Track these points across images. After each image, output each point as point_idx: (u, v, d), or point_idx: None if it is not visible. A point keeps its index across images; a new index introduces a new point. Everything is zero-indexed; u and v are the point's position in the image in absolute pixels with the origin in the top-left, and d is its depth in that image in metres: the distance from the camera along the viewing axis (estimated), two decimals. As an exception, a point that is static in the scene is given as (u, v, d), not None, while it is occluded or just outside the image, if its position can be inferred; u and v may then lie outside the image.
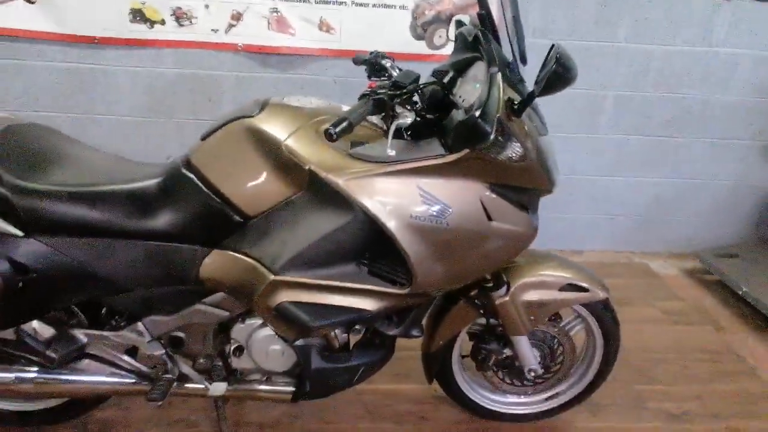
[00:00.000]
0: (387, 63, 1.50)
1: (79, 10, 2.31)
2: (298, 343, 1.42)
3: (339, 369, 1.47)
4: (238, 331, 1.47)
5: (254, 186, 1.31)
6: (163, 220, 1.34)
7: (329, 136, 1.08)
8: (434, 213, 1.25)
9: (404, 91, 1.21)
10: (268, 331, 1.46)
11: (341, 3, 2.43)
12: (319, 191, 1.26)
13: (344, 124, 1.09)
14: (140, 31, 2.38)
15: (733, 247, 2.95)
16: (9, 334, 1.36)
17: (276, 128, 1.29)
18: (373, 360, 1.52)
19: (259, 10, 2.40)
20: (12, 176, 1.26)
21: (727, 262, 2.78)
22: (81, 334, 1.41)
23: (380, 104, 1.18)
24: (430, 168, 1.24)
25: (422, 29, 2.50)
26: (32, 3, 2.29)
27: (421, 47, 2.51)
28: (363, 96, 1.22)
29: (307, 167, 1.25)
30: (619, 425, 1.88)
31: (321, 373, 1.45)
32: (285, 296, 1.28)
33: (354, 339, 1.56)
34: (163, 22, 2.38)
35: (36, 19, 2.30)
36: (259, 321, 1.46)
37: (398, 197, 1.24)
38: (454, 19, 2.36)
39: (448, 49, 2.50)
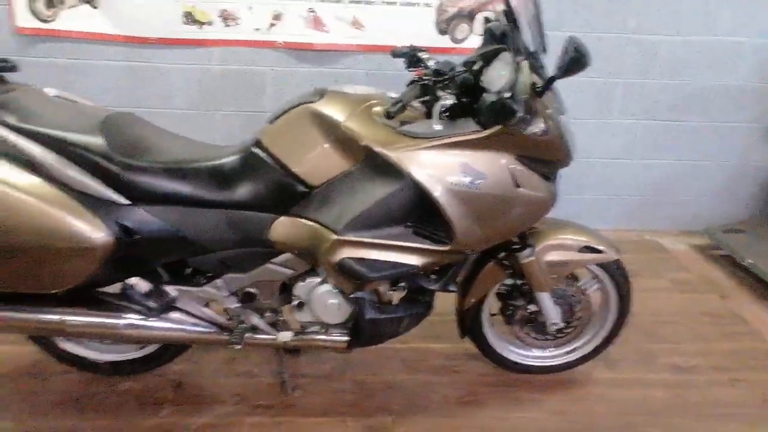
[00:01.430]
0: (424, 55, 1.73)
1: (137, 14, 2.57)
2: (354, 296, 1.66)
3: (388, 319, 1.71)
4: (300, 288, 1.72)
5: (317, 160, 1.55)
6: (239, 191, 1.58)
7: (387, 115, 1.32)
8: (471, 180, 1.48)
9: (446, 77, 1.45)
10: (326, 287, 1.70)
11: (370, 2, 2.66)
12: (374, 163, 1.50)
13: (399, 104, 1.32)
14: (191, 32, 2.63)
15: (739, 224, 3.14)
16: (116, 288, 1.62)
17: (335, 111, 1.53)
18: (416, 312, 1.75)
19: (297, 11, 2.64)
20: (120, 155, 1.50)
21: (733, 237, 2.98)
22: (171, 289, 1.66)
23: (426, 88, 1.42)
24: (468, 142, 1.47)
25: (445, 24, 2.73)
26: (96, 8, 2.55)
27: (444, 41, 2.74)
28: (411, 82, 1.45)
29: (363, 143, 1.49)
30: (632, 376, 2.10)
31: (373, 323, 1.70)
32: (345, 253, 1.53)
33: (398, 296, 1.80)
34: (211, 23, 2.63)
35: (99, 23, 2.57)
36: (319, 279, 1.71)
37: (441, 167, 1.47)
38: (480, 15, 2.60)
39: (470, 42, 2.74)
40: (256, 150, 1.59)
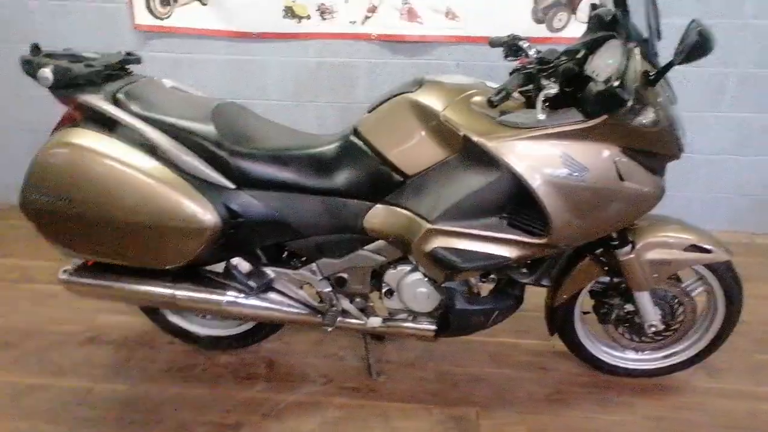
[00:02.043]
0: (524, 44, 1.69)
1: (242, 10, 2.70)
2: (444, 285, 1.66)
3: (478, 311, 1.70)
4: (390, 276, 1.75)
5: (414, 150, 1.56)
6: (336, 179, 1.63)
7: (491, 103, 1.30)
8: (572, 172, 1.44)
9: (551, 65, 1.41)
10: (416, 276, 1.72)
11: (465, -8, 2.64)
12: (472, 153, 1.49)
13: (503, 93, 1.31)
14: (290, 26, 2.72)
15: None
16: (219, 267, 1.72)
17: (434, 101, 1.54)
18: (506, 305, 1.73)
19: (392, 3, 2.66)
20: (229, 142, 1.60)
21: None
22: (270, 271, 1.75)
23: (530, 77, 1.39)
24: (571, 132, 1.43)
25: (543, 13, 2.65)
26: (205, 5, 2.70)
27: (540, 30, 2.66)
28: (514, 71, 1.43)
29: (462, 133, 1.49)
30: (737, 387, 1.95)
31: (463, 314, 1.69)
32: (438, 242, 1.53)
33: (488, 288, 1.79)
34: (309, 17, 2.71)
35: (207, 19, 2.72)
36: (409, 267, 1.73)
37: (541, 158, 1.44)
38: (583, 3, 2.50)
39: (567, 31, 2.64)
40: (354, 139, 1.63)
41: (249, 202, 1.61)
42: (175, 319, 2.01)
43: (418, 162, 1.56)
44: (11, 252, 2.73)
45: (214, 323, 2.03)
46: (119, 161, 1.52)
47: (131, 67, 1.79)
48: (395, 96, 1.61)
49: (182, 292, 1.70)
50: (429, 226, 1.52)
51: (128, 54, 1.74)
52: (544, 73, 1.41)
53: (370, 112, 1.66)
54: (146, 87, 1.72)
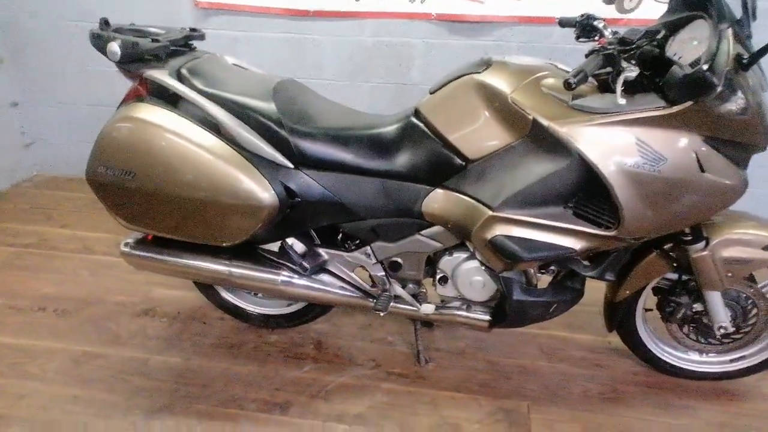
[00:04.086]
0: (599, 24, 1.59)
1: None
2: (503, 275, 1.61)
3: (536, 303, 1.64)
4: (445, 263, 1.71)
5: (478, 133, 1.50)
6: (395, 161, 1.59)
7: (568, 86, 1.23)
8: (649, 162, 1.35)
9: (633, 46, 1.33)
10: (473, 263, 1.67)
11: (531, -28, 2.53)
12: (540, 138, 1.42)
13: (581, 74, 1.23)
14: (347, 4, 2.68)
15: None
16: (275, 246, 1.72)
17: (501, 83, 1.47)
18: (565, 298, 1.67)
19: (453, -18, 2.59)
20: (289, 121, 1.58)
21: None
22: (323, 252, 1.73)
23: (610, 59, 1.31)
24: (649, 119, 1.34)
25: (612, -6, 2.52)
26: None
27: (610, 11, 2.53)
28: (592, 52, 1.35)
29: (531, 116, 1.42)
30: (810, 397, 1.84)
31: (520, 305, 1.64)
32: (500, 230, 1.48)
33: (547, 279, 1.73)
34: (366, -5, 2.66)
35: (265, -4, 2.72)
36: (465, 254, 1.69)
37: (615, 145, 1.36)
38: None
39: (639, 12, 2.51)
40: (415, 120, 1.59)
41: (307, 182, 1.59)
42: (227, 295, 2.03)
43: (481, 146, 1.51)
44: (71, 223, 2.82)
45: (265, 302, 2.05)
46: (181, 137, 1.53)
47: (195, 44, 1.79)
48: (460, 77, 1.55)
49: (238, 270, 1.70)
50: (491, 213, 1.47)
51: (192, 30, 1.74)
52: (625, 55, 1.33)
53: (432, 93, 1.60)
54: (209, 63, 1.72)
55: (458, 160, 1.54)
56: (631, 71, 1.32)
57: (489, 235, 1.49)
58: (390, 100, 2.84)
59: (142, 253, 1.74)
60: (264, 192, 1.54)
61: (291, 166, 1.59)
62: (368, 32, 2.74)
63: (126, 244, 1.76)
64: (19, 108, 3.18)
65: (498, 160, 1.49)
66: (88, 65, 2.96)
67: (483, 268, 1.65)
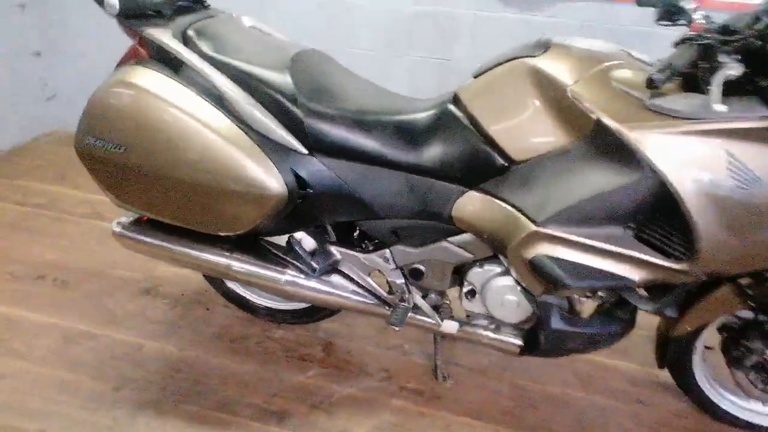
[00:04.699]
0: (688, 6, 1.30)
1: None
2: (541, 298, 1.37)
3: (577, 333, 1.40)
4: (475, 275, 1.47)
5: (526, 129, 1.25)
6: (425, 154, 1.35)
7: (651, 83, 0.97)
8: (740, 182, 1.08)
9: (740, 37, 1.04)
10: (507, 280, 1.43)
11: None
12: (603, 143, 1.16)
13: (669, 70, 0.96)
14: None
15: None
16: (281, 240, 1.52)
17: (562, 71, 1.21)
18: (612, 331, 1.42)
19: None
20: (305, 98, 1.35)
21: None
22: (336, 251, 1.52)
23: (709, 51, 1.03)
24: (748, 131, 1.06)
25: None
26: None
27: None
28: (683, 41, 1.07)
29: (594, 116, 1.16)
30: None
31: (558, 334, 1.40)
32: (543, 249, 1.23)
33: (592, 305, 1.48)
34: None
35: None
36: (499, 269, 1.45)
37: (699, 159, 1.09)
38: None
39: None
40: (453, 108, 1.34)
41: (321, 170, 1.37)
42: (232, 284, 1.85)
43: (529, 145, 1.25)
44: (84, 185, 2.67)
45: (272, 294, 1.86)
46: (180, 109, 1.33)
47: (210, 2, 1.57)
48: (511, 60, 1.29)
49: (238, 264, 1.51)
50: (534, 228, 1.22)
51: (205, -17, 1.52)
52: (728, 48, 1.04)
53: (476, 77, 1.35)
54: (221, 24, 1.50)
55: (500, 160, 1.29)
56: (734, 69, 1.03)
57: (530, 254, 1.24)
58: (430, 77, 2.56)
59: (135, 235, 1.57)
60: (271, 179, 1.33)
61: (304, 151, 1.37)
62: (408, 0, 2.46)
63: (119, 224, 1.58)
64: (42, 58, 3.04)
65: (548, 164, 1.24)
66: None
67: (518, 287, 1.42)
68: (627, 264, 1.21)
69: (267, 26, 1.64)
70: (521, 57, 1.27)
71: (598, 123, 1.15)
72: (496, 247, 1.35)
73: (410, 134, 1.36)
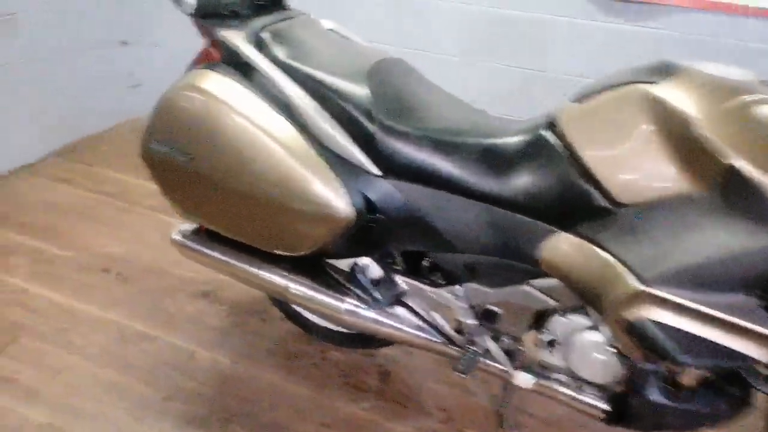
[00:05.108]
0: None
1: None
2: (638, 364, 1.18)
3: (676, 409, 1.19)
4: (558, 325, 1.29)
5: (638, 169, 1.06)
6: (512, 185, 1.19)
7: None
8: None
9: None
10: (596, 336, 1.24)
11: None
12: (738, 195, 0.95)
13: None
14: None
15: None
16: (345, 265, 1.40)
17: (688, 103, 1.01)
18: (721, 411, 1.20)
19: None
20: (382, 114, 1.23)
21: None
22: (402, 282, 1.39)
23: None
24: None
25: None
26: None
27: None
28: None
29: (727, 161, 0.95)
30: None
31: (653, 407, 1.20)
32: (649, 312, 1.03)
33: (698, 376, 1.26)
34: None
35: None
36: (587, 322, 1.26)
37: None
38: None
39: None
40: (548, 134, 1.16)
41: (393, 194, 1.24)
42: (289, 299, 1.76)
43: (640, 188, 1.06)
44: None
45: (330, 314, 1.75)
46: (249, 120, 1.23)
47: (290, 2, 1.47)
48: (625, 85, 1.09)
49: (297, 286, 1.40)
50: (641, 287, 1.03)
51: (284, -18, 1.42)
52: None
53: (578, 101, 1.17)
54: (298, 27, 1.40)
55: (602, 201, 1.10)
56: None
57: (632, 316, 1.05)
58: (515, 89, 2.36)
59: (194, 245, 1.50)
60: (339, 201, 1.21)
61: (376, 172, 1.24)
62: (489, 2, 2.26)
63: (179, 232, 1.52)
64: (129, 48, 3.09)
65: (664, 212, 1.04)
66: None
67: (610, 348, 1.22)
68: (751, 340, 1.00)
69: (346, 30, 1.52)
70: (637, 82, 1.08)
71: (733, 171, 0.95)
72: (588, 300, 1.16)
73: (496, 161, 1.20)
